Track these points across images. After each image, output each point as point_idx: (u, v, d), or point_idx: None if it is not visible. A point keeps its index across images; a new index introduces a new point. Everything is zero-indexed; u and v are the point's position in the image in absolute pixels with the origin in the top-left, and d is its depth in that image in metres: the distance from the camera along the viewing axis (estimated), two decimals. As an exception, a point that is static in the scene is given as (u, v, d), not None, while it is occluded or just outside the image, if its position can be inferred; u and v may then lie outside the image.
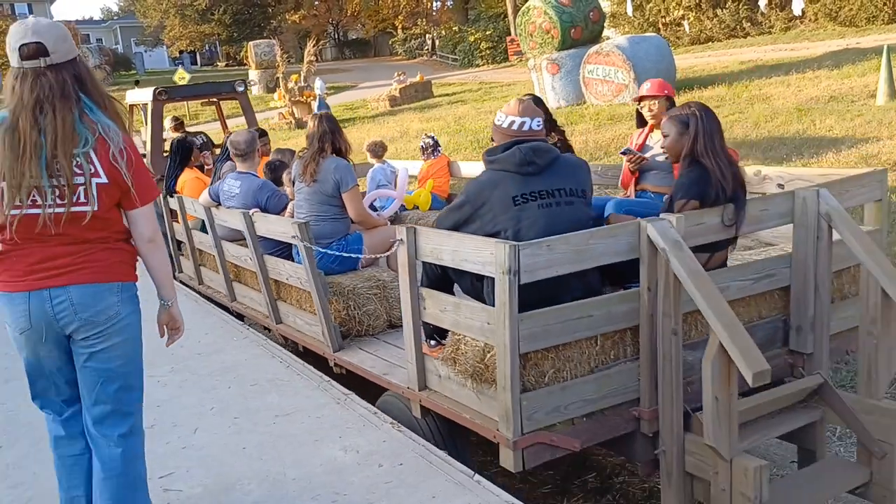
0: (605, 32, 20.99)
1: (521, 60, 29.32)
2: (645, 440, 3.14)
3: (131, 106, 10.17)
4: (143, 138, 9.71)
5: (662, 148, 3.58)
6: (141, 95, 9.80)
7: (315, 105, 22.67)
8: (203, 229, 5.84)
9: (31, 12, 55.56)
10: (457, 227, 3.23)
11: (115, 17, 66.61)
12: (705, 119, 3.34)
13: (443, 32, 43.19)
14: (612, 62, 15.07)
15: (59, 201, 2.35)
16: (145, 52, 53.55)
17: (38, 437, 3.76)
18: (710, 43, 25.30)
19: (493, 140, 3.38)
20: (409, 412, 3.56)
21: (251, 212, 4.86)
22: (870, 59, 14.43)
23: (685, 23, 26.22)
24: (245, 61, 37.89)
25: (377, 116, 22.78)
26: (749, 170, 4.25)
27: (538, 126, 3.30)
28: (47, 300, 2.40)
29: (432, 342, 3.55)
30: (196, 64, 54.46)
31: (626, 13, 26.92)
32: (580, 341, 3.00)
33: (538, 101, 4.47)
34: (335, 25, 58.36)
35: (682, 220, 3.00)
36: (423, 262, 3.35)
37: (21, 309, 2.41)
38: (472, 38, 37.77)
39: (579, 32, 16.47)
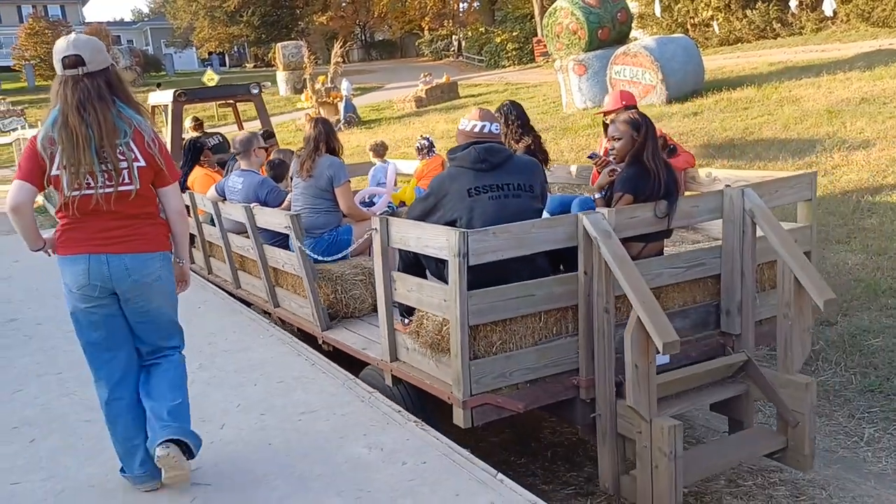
0: (633, 33, 20.85)
1: (547, 61, 29.24)
2: (583, 405, 3.60)
3: (153, 107, 10.41)
4: (164, 139, 9.87)
5: (613, 149, 3.93)
6: (162, 97, 10.01)
7: (342, 106, 22.82)
8: (212, 223, 6.27)
9: (63, 14, 56.56)
10: (424, 215, 3.75)
11: (146, 19, 67.60)
12: (651, 126, 3.82)
13: (469, 33, 43.21)
14: (640, 63, 14.98)
15: (108, 182, 2.91)
16: (175, 53, 54.23)
17: (71, 431, 3.85)
18: (740, 44, 25.02)
19: (458, 141, 3.92)
20: (384, 381, 4.03)
21: (251, 205, 5.29)
22: (903, 60, 14.21)
23: (714, 23, 25.96)
24: (273, 62, 38.23)
25: (403, 117, 22.86)
26: (702, 171, 4.97)
27: (496, 130, 3.89)
28: (105, 263, 2.96)
29: (406, 320, 3.98)
30: (225, 65, 55.01)
31: (654, 14, 26.71)
32: (525, 317, 3.45)
33: (516, 106, 5.39)
34: (362, 27, 58.64)
35: (614, 213, 3.49)
36: (399, 249, 3.84)
37: (81, 269, 2.96)
38: (498, 39, 37.74)
39: (606, 33, 16.39)
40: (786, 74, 15.67)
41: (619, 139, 3.86)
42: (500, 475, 3.10)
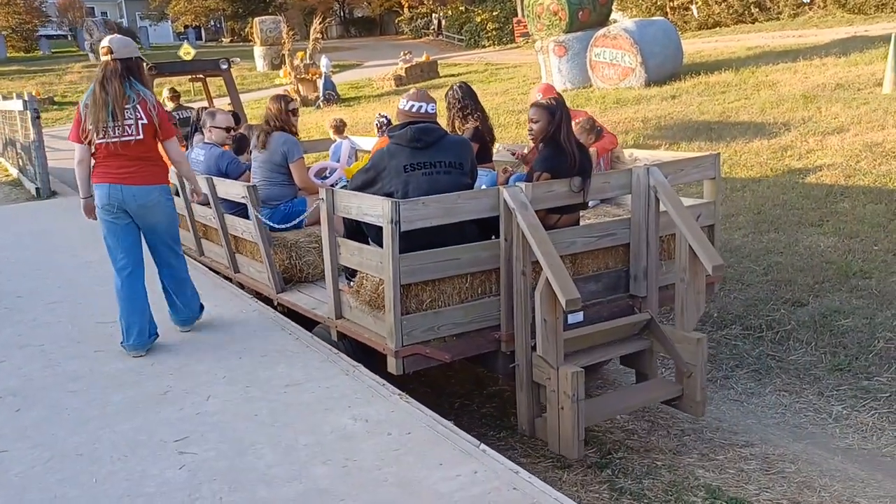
0: (613, 16, 20.89)
1: (527, 42, 29.21)
2: (504, 357, 4.01)
3: None
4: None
5: (531, 132, 4.29)
6: None
7: (321, 83, 22.66)
8: (176, 194, 6.29)
9: (37, -17, 55.13)
10: (364, 185, 4.07)
11: (121, -9, 66.16)
12: (565, 110, 4.19)
13: (449, 12, 42.97)
14: (620, 45, 15.06)
15: (118, 134, 4.19)
16: (150, 26, 53.33)
17: (56, 401, 3.87)
18: (718, 28, 25.18)
19: (398, 120, 4.26)
20: (331, 338, 4.41)
21: (212, 178, 5.58)
22: (878, 47, 14.41)
23: (693, 7, 26.10)
24: (250, 37, 37.76)
25: (382, 95, 22.77)
26: (626, 151, 5.57)
27: (431, 110, 4.23)
28: (119, 191, 4.26)
29: (350, 283, 4.33)
30: (201, 39, 54.23)
31: (634, -4, 26.82)
32: (453, 278, 3.86)
33: (464, 87, 5.76)
34: (341, 3, 58.00)
35: (531, 187, 3.86)
36: (344, 218, 4.22)
37: (104, 192, 4.28)
38: (478, 19, 37.61)
39: (587, 15, 16.43)
40: (763, 59, 15.83)
41: (536, 122, 4.21)
42: (483, 446, 3.18)
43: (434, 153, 4.05)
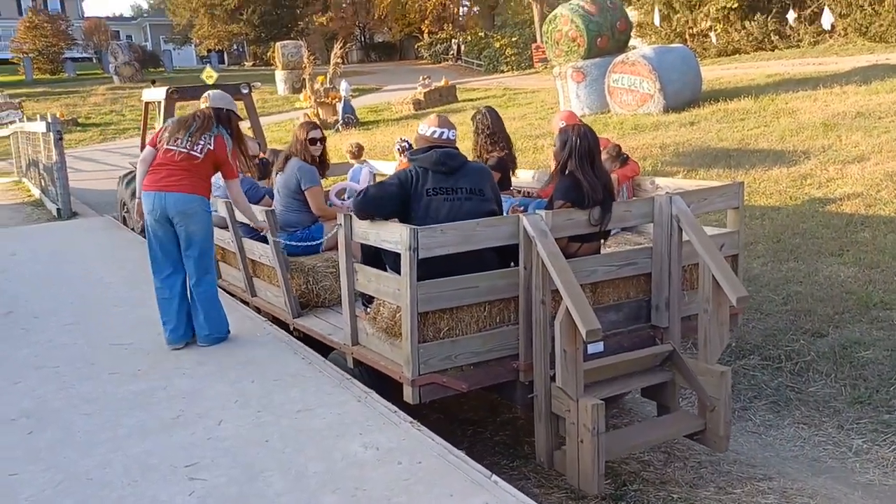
0: (632, 42, 20.95)
1: (545, 67, 29.34)
2: (522, 387, 3.94)
3: (147, 104, 10.52)
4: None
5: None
6: (155, 94, 10.10)
7: (340, 107, 22.83)
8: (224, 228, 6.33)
9: (62, 8, 56.36)
10: (383, 193, 4.02)
11: (145, 15, 67.40)
12: (581, 140, 4.10)
13: (468, 38, 43.29)
14: (638, 72, 15.07)
15: (185, 146, 4.74)
16: (174, 49, 54.08)
17: (69, 423, 3.88)
18: (738, 55, 25.15)
19: (417, 145, 4.32)
20: (347, 364, 4.40)
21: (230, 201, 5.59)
22: (899, 75, 14.32)
23: (712, 34, 26.09)
24: (272, 61, 38.18)
25: (401, 119, 22.91)
26: (647, 180, 5.51)
27: (452, 136, 4.27)
28: (163, 198, 4.70)
29: (367, 309, 4.31)
30: (223, 63, 54.92)
31: (653, 23, 26.84)
32: (471, 306, 3.81)
33: (492, 113, 5.85)
34: (362, 28, 58.65)
35: (550, 215, 3.83)
36: (361, 244, 4.20)
37: (151, 200, 4.72)
38: (497, 44, 37.85)
39: (605, 41, 16.48)
40: (783, 87, 15.77)
41: (554, 146, 4.28)
42: (495, 477, 3.13)
43: (456, 179, 4.07)
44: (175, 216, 4.71)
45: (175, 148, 4.73)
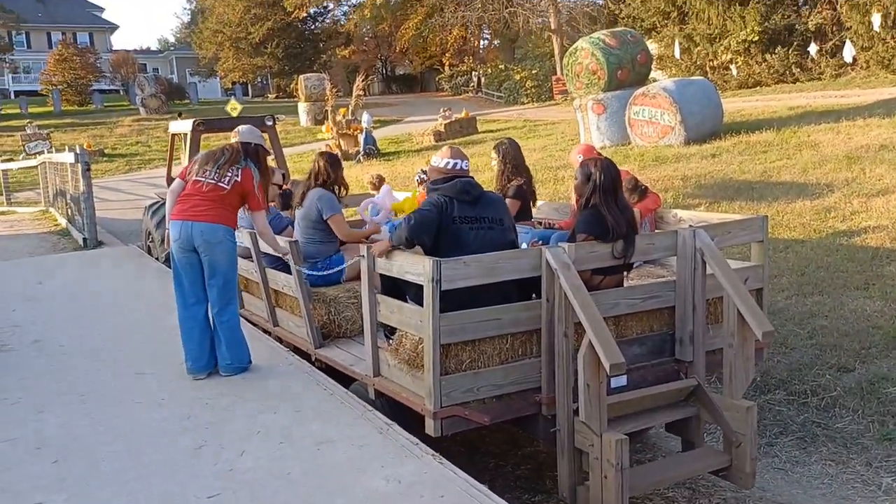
0: (652, 74, 21.03)
1: (565, 99, 29.46)
2: (545, 421, 3.92)
3: (173, 135, 10.67)
4: (183, 164, 10.13)
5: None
6: (182, 126, 10.26)
7: (361, 138, 23.04)
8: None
9: (91, 42, 57.67)
10: (427, 220, 4.04)
11: (172, 48, 68.72)
12: (604, 174, 4.15)
13: (489, 70, 43.66)
14: (659, 104, 15.10)
15: (213, 177, 4.85)
16: (199, 82, 55.06)
17: (92, 453, 3.90)
18: (759, 87, 25.14)
19: (431, 177, 4.41)
20: (368, 395, 4.38)
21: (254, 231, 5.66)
22: (923, 108, 14.23)
23: (733, 67, 26.14)
24: (295, 93, 38.70)
25: (422, 150, 23.05)
26: (670, 212, 5.52)
27: (466, 167, 4.35)
28: (190, 227, 4.77)
29: (389, 340, 4.28)
30: (247, 95, 55.75)
31: (673, 56, 26.96)
32: (493, 338, 3.81)
33: (513, 145, 5.99)
34: (383, 61, 59.40)
35: (573, 248, 3.86)
36: (381, 274, 4.22)
37: (178, 229, 4.79)
38: (517, 77, 38.11)
39: (626, 74, 16.55)
40: (805, 119, 15.72)
41: (576, 178, 4.33)
42: (518, 511, 3.11)
43: (479, 208, 4.16)
44: (200, 245, 4.78)
45: (203, 179, 4.84)
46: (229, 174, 4.86)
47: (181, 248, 4.82)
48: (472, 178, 4.31)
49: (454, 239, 4.02)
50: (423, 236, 4.04)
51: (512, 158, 5.96)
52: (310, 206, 5.53)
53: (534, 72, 37.60)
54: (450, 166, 4.30)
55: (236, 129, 5.11)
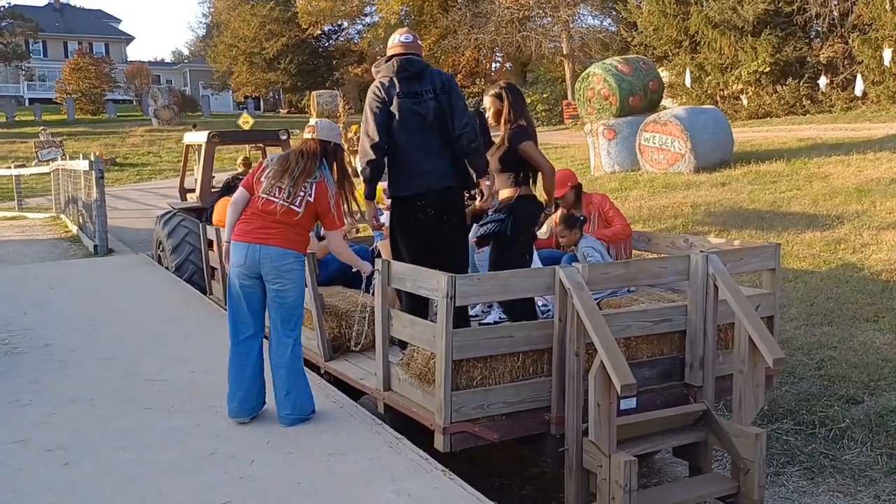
0: (663, 102, 21.13)
1: (576, 124, 29.61)
2: (553, 440, 3.93)
3: (187, 146, 10.75)
4: (196, 175, 10.24)
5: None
6: (197, 137, 10.35)
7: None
8: None
9: (106, 52, 58.22)
10: (379, 112, 4.56)
11: (186, 61, 69.35)
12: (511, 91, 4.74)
13: (500, 92, 43.83)
14: (670, 131, 15.17)
15: (286, 198, 4.22)
16: (212, 95, 55.45)
17: (104, 457, 3.91)
18: (769, 118, 25.23)
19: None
20: (376, 409, 4.39)
21: None
22: (933, 143, 14.26)
23: (743, 97, 26.26)
24: (307, 109, 38.95)
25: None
26: (679, 237, 5.58)
27: (410, 39, 4.68)
28: (257, 251, 4.19)
29: (402, 354, 4.30)
30: (259, 109, 56.15)
31: (684, 84, 27.10)
32: (505, 356, 3.84)
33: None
34: (396, 80, 59.71)
35: (587, 268, 3.88)
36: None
37: (244, 253, 4.21)
38: (529, 100, 38.34)
39: (638, 101, 16.65)
40: (815, 151, 15.77)
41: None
42: (527, 529, 3.12)
43: (418, 83, 4.51)
44: (268, 272, 4.20)
45: (276, 200, 4.21)
46: (302, 193, 4.22)
47: (245, 274, 4.23)
48: (415, 54, 4.58)
49: (399, 109, 4.46)
50: (379, 140, 4.48)
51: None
52: None
53: (545, 95, 37.81)
54: (395, 41, 4.63)
55: (312, 124, 4.56)
